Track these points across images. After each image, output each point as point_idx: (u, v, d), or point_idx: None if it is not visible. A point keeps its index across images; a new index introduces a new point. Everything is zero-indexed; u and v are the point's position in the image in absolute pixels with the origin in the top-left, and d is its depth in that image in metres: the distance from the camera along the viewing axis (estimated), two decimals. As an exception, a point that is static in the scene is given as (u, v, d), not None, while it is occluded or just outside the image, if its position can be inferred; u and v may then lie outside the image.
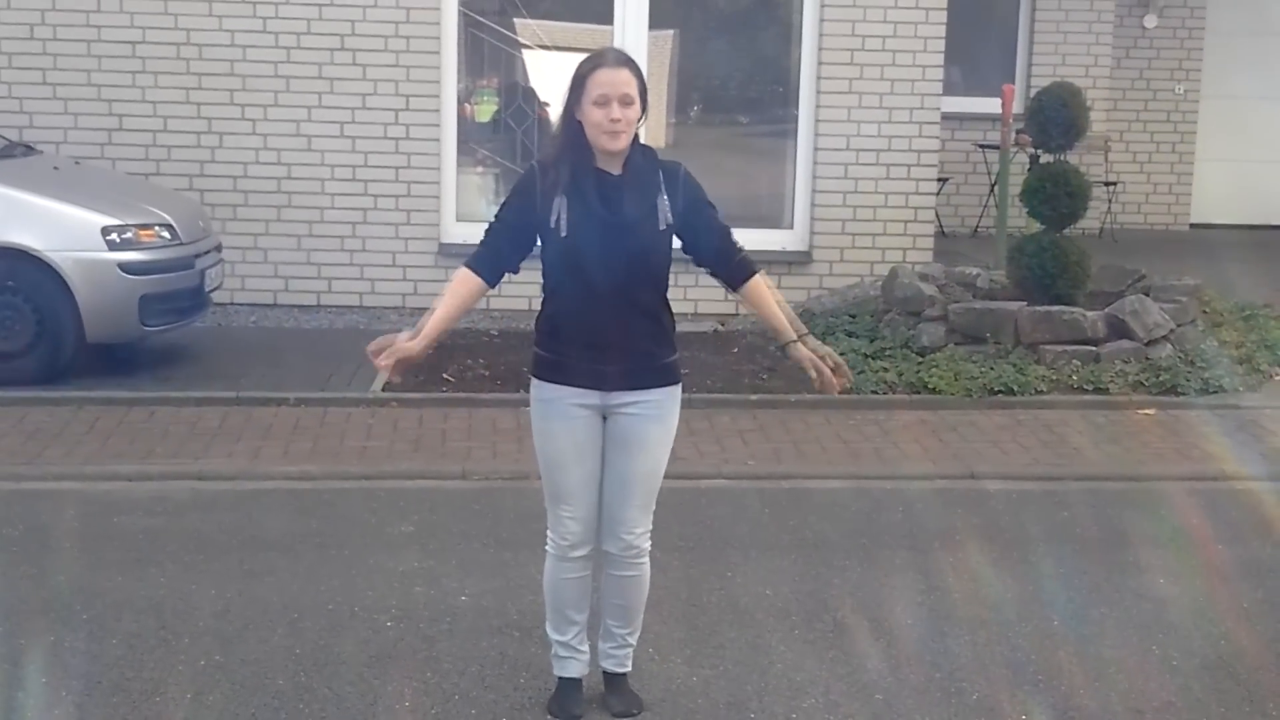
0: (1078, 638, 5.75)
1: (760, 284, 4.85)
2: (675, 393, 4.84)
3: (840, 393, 4.91)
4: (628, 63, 4.64)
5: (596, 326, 4.65)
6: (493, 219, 4.78)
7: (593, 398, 4.72)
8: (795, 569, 6.45)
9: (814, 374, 4.80)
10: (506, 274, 4.80)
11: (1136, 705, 5.19)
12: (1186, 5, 15.79)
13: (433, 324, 4.70)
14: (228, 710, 5.00)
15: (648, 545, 4.92)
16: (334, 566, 6.36)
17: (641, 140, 4.78)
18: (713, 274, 4.89)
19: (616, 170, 4.68)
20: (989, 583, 6.35)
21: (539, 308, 4.82)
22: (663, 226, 4.70)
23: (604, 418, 4.76)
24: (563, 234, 4.60)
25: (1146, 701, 5.22)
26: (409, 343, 4.66)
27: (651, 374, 4.76)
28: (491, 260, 4.75)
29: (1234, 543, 6.94)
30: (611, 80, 4.56)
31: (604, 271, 4.61)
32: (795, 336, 4.83)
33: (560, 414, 4.74)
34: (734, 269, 4.85)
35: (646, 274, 4.70)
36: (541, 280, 4.76)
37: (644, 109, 4.65)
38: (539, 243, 4.70)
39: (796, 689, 5.24)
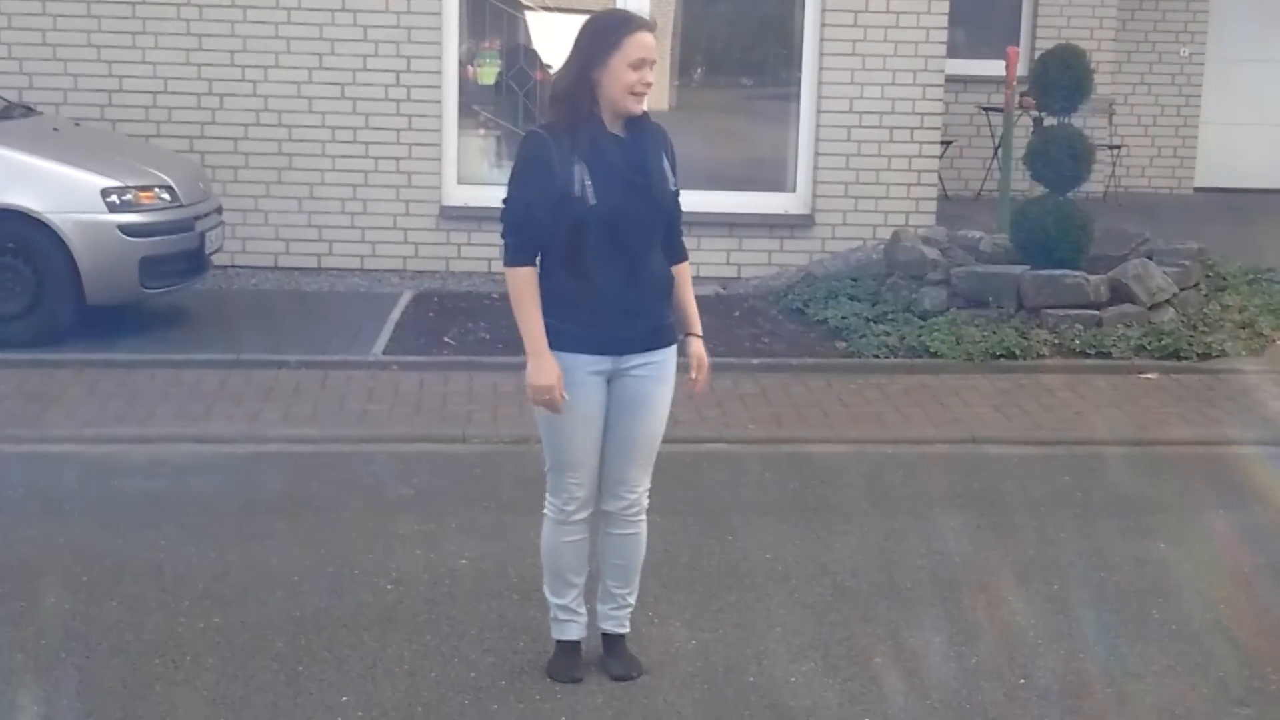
0: (1078, 601, 5.75)
1: (686, 271, 4.92)
2: (674, 352, 4.86)
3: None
4: (654, 27, 4.69)
5: (620, 291, 4.64)
6: (511, 201, 4.66)
7: (605, 363, 4.71)
8: (795, 533, 6.45)
9: (695, 371, 4.87)
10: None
11: (1136, 669, 5.19)
12: (1192, -33, 15.71)
13: (540, 333, 4.65)
14: (226, 672, 5.00)
15: (647, 503, 4.94)
16: (334, 530, 6.36)
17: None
18: None
19: (621, 133, 4.66)
20: (989, 547, 6.35)
21: (540, 275, 4.76)
22: (672, 187, 4.74)
23: (608, 381, 4.76)
24: (591, 201, 4.54)
25: (1146, 665, 5.22)
26: (545, 377, 4.63)
27: (659, 334, 4.79)
28: (532, 247, 4.67)
29: (1235, 507, 6.93)
30: (648, 44, 4.60)
31: (633, 235, 4.63)
32: (699, 332, 4.92)
33: (574, 383, 4.70)
34: (673, 248, 4.86)
35: (659, 237, 4.75)
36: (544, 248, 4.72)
37: None
38: None
39: (796, 652, 5.24)
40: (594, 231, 4.59)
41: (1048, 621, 5.56)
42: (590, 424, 4.76)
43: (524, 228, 4.65)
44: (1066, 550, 6.32)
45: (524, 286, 4.66)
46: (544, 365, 4.63)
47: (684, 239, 4.92)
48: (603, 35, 4.60)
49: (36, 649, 5.15)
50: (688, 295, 4.90)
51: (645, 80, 4.58)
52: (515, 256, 4.67)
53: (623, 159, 4.61)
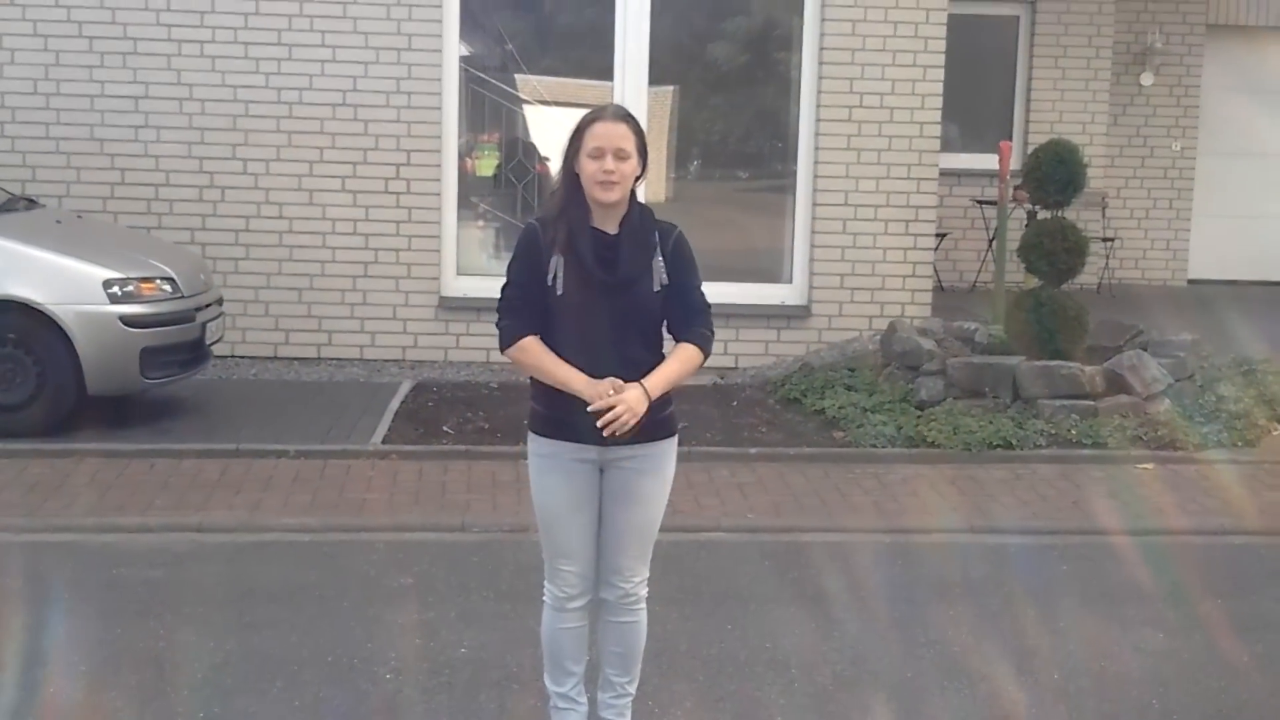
0: (1077, 691, 5.74)
1: (686, 348, 4.76)
2: (671, 445, 4.85)
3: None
4: (626, 118, 4.70)
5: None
6: (503, 287, 4.77)
7: (590, 452, 4.73)
8: (794, 622, 6.45)
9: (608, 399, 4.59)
10: None
11: (1136, 759, 5.19)
12: (1182, 63, 15.91)
13: (571, 372, 4.63)
14: (226, 762, 5.00)
15: (645, 593, 4.93)
16: (333, 618, 6.36)
17: (640, 198, 4.80)
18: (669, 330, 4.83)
19: (613, 229, 4.70)
20: (988, 636, 6.34)
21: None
22: (657, 288, 4.71)
23: (601, 470, 4.78)
24: (559, 293, 4.63)
25: (1146, 755, 5.21)
26: (597, 389, 4.57)
27: (648, 428, 4.74)
28: (524, 328, 4.69)
29: (1232, 597, 6.94)
30: (607, 133, 4.62)
31: (598, 330, 4.63)
32: (647, 386, 4.62)
33: (558, 469, 4.76)
34: (683, 334, 4.79)
35: (640, 332, 4.71)
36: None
37: (644, 167, 4.70)
38: None
39: (796, 742, 5.24)
40: (565, 321, 4.65)
41: (1048, 711, 5.56)
42: (581, 511, 4.78)
43: (513, 312, 4.73)
44: (1065, 639, 6.32)
45: (532, 351, 4.69)
46: (594, 385, 4.58)
47: (703, 330, 4.80)
48: (575, 131, 4.69)
49: (36, 738, 5.15)
50: (670, 361, 4.73)
51: (605, 169, 4.58)
52: (508, 337, 4.73)
53: (595, 254, 4.64)
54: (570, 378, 4.63)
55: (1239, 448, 9.52)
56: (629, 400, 4.57)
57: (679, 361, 4.74)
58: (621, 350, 4.67)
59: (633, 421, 4.58)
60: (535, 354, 4.69)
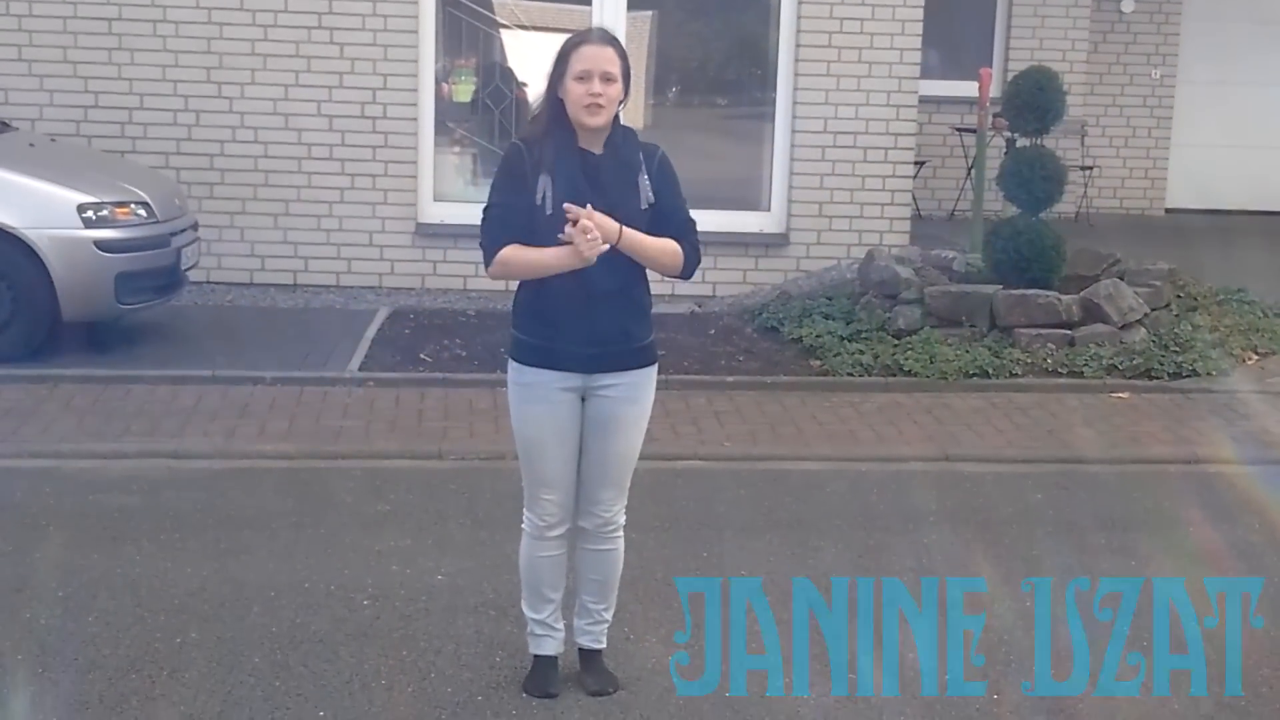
0: (1051, 619, 5.77)
1: (671, 241, 4.75)
2: (652, 373, 4.87)
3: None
4: (612, 41, 4.69)
5: (579, 308, 4.66)
6: (486, 206, 4.75)
7: (574, 380, 4.74)
8: (771, 549, 6.48)
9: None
10: None
11: (1106, 683, 5.22)
12: (1163, -11, 15.84)
13: (551, 251, 4.60)
14: (204, 688, 5.01)
15: (623, 520, 4.97)
16: (310, 545, 6.37)
17: (621, 122, 4.79)
18: None
19: (598, 150, 4.70)
20: (962, 564, 6.38)
21: (515, 289, 4.83)
22: (644, 206, 4.72)
23: (582, 399, 4.78)
24: (548, 212, 4.61)
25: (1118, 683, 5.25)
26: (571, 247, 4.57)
27: (631, 355, 4.79)
28: (508, 238, 4.68)
29: (1206, 525, 6.99)
30: (594, 56, 4.61)
31: None
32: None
33: (541, 398, 4.75)
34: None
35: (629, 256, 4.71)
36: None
37: (626, 90, 4.69)
38: None
39: (772, 668, 5.26)
40: (554, 241, 4.61)
41: (1020, 638, 5.58)
42: (563, 440, 4.79)
43: (497, 231, 4.70)
44: (1038, 566, 6.36)
45: (513, 257, 4.65)
46: (570, 250, 4.56)
47: (692, 243, 4.82)
48: (559, 55, 4.68)
49: (13, 664, 5.15)
50: (651, 238, 4.72)
51: (592, 91, 4.58)
52: (490, 254, 4.70)
53: (584, 174, 4.64)
54: (555, 254, 4.58)
55: (1213, 377, 9.55)
56: (602, 223, 4.56)
57: (659, 242, 4.73)
58: (612, 274, 4.66)
59: (598, 238, 4.54)
60: (517, 257, 4.66)
